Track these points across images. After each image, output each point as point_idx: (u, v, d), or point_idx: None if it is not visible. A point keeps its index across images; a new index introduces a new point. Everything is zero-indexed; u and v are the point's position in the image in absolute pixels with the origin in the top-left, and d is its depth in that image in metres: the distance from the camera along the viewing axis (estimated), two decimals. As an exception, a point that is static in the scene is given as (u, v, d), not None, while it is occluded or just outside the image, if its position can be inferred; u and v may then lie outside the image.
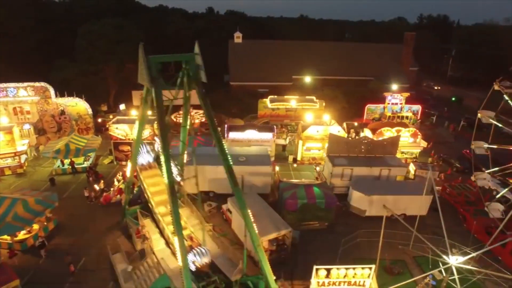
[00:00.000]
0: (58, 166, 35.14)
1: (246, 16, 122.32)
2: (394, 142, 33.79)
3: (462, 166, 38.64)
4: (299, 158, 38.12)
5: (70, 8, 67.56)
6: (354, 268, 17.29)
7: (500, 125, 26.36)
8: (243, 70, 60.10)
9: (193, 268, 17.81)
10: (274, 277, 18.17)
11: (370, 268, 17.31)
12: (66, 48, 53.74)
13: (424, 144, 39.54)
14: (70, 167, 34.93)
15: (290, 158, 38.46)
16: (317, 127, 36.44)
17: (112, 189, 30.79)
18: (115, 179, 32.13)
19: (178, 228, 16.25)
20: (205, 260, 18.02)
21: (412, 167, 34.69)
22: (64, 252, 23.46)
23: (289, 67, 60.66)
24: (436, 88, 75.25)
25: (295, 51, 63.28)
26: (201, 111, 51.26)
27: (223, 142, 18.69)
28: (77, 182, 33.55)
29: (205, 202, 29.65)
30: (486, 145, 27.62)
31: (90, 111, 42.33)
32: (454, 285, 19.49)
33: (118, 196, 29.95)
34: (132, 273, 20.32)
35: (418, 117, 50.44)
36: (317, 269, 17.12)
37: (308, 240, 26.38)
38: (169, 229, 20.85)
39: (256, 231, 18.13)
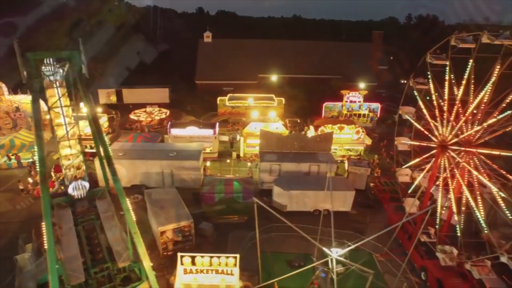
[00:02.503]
0: (5, 161, 36.30)
1: (237, 16, 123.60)
2: (327, 138, 34.13)
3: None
4: (242, 154, 38.70)
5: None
6: (219, 257, 17.83)
7: (414, 122, 26.58)
8: (210, 69, 60.85)
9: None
10: (151, 264, 18.82)
11: (235, 257, 17.84)
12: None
13: (368, 141, 39.75)
14: (16, 161, 36.10)
15: (234, 154, 39.07)
16: (256, 124, 36.97)
17: (45, 182, 31.76)
18: (51, 172, 33.14)
19: (48, 222, 16.99)
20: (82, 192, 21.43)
21: (346, 164, 34.99)
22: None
23: (256, 66, 61.17)
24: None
25: (264, 50, 63.72)
26: (164, 110, 52.24)
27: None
28: (20, 176, 34.63)
29: (132, 195, 30.52)
30: (408, 142, 28.02)
31: (46, 108, 43.33)
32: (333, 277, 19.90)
33: (51, 188, 30.88)
34: (28, 260, 21.13)
35: (378, 115, 50.62)
36: (181, 256, 17.71)
37: (223, 233, 26.96)
38: None
39: (134, 219, 18.79)
